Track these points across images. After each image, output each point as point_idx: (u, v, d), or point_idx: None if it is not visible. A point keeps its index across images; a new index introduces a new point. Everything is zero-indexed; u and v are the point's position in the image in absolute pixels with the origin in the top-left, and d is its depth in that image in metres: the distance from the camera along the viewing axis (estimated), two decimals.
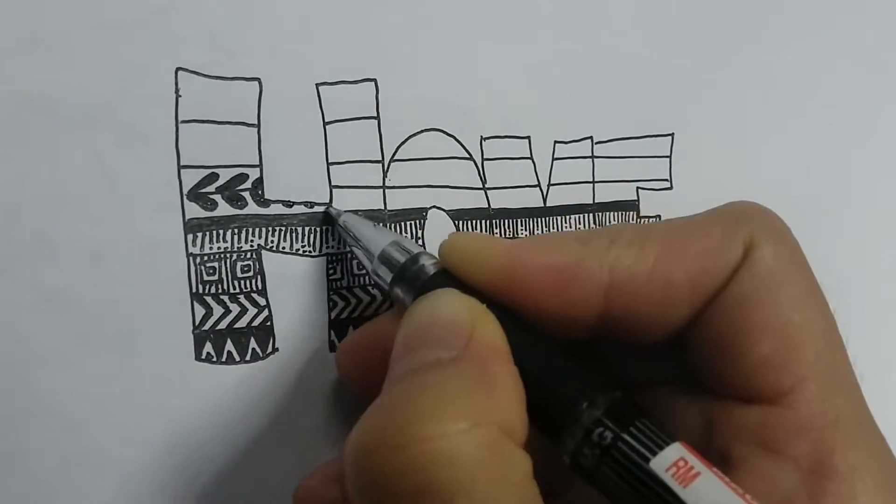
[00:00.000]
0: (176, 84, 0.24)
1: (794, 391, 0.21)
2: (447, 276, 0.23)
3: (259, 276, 0.25)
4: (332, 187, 0.26)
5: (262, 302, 0.25)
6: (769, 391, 0.21)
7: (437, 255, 0.23)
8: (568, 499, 0.24)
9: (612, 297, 0.22)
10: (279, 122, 0.25)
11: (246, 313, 0.25)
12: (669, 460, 0.19)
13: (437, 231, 0.24)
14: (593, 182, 0.31)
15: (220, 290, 0.25)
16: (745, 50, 0.34)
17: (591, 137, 0.31)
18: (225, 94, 0.25)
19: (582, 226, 0.31)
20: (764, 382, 0.21)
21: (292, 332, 0.26)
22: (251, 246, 0.25)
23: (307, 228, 0.26)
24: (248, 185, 0.25)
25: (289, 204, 0.26)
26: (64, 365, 0.23)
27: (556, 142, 0.30)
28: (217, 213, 0.25)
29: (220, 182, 0.25)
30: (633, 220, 0.32)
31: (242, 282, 0.25)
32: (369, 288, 0.27)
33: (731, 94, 0.34)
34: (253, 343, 0.25)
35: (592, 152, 0.31)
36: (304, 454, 0.25)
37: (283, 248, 0.26)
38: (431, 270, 0.23)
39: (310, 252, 0.26)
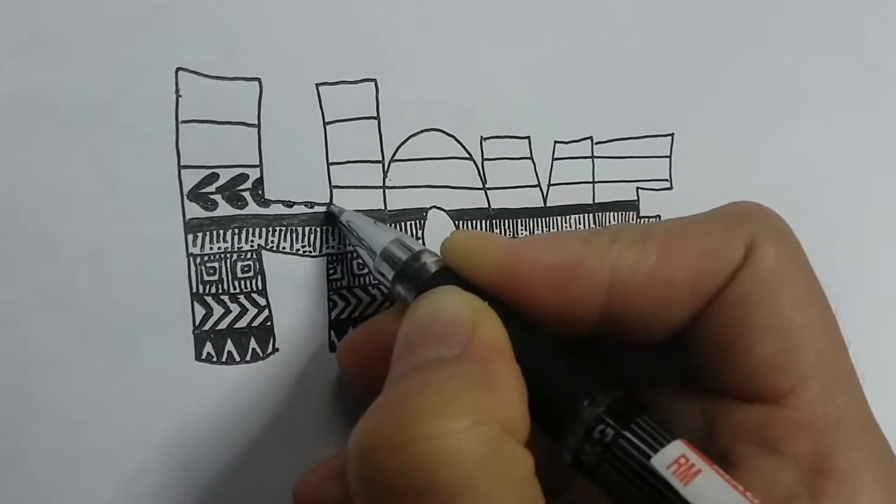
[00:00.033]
0: (176, 84, 0.24)
1: (796, 391, 0.21)
2: (449, 274, 0.23)
3: (259, 277, 0.25)
4: (332, 187, 0.26)
5: (263, 302, 0.25)
6: (770, 391, 0.21)
7: (438, 253, 0.23)
8: (570, 497, 0.24)
9: (613, 295, 0.22)
10: (279, 122, 0.25)
11: (246, 313, 0.25)
12: (671, 457, 0.19)
13: (438, 231, 0.24)
14: (593, 182, 0.31)
15: (220, 291, 0.25)
16: (745, 50, 0.34)
17: (591, 137, 0.31)
18: (225, 94, 0.25)
19: (582, 226, 0.31)
20: (765, 382, 0.21)
21: (292, 333, 0.26)
22: (251, 246, 0.25)
23: (307, 228, 0.26)
24: (248, 185, 0.25)
25: (289, 204, 0.26)
26: (64, 365, 0.23)
27: (556, 142, 0.30)
28: (217, 213, 0.25)
29: (221, 182, 0.25)
30: (633, 220, 0.32)
31: (243, 282, 0.25)
32: (370, 288, 0.27)
33: (731, 94, 0.34)
34: (253, 343, 0.25)
35: (592, 152, 0.31)
36: (304, 454, 0.25)
37: (284, 248, 0.26)
38: (433, 268, 0.23)
39: (310, 252, 0.26)
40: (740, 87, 0.34)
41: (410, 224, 0.28)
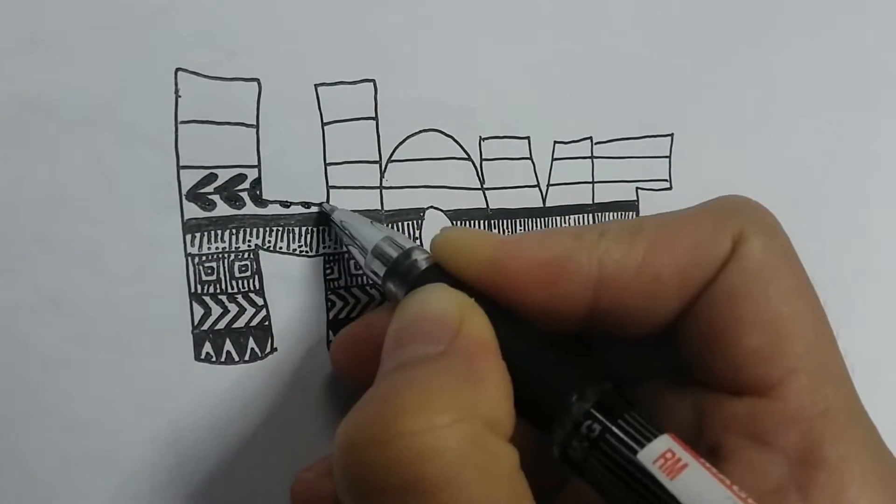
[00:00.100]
0: (176, 84, 0.24)
1: (784, 383, 0.21)
2: (439, 271, 0.23)
3: (256, 276, 0.25)
4: (329, 187, 0.26)
5: (260, 302, 0.25)
6: (759, 383, 0.21)
7: (429, 251, 0.23)
8: (565, 495, 0.24)
9: (602, 290, 0.22)
10: (278, 123, 0.25)
11: (244, 313, 0.25)
12: (657, 452, 0.19)
13: (435, 231, 0.24)
14: (593, 182, 0.31)
15: (218, 290, 0.25)
16: (745, 50, 0.34)
17: (590, 138, 0.31)
18: (224, 94, 0.25)
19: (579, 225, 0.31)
20: (753, 374, 0.21)
21: (291, 332, 0.26)
22: (249, 246, 0.25)
23: (304, 228, 0.26)
24: (246, 185, 0.25)
25: (286, 204, 0.26)
26: (64, 365, 0.23)
27: (555, 142, 0.30)
28: (215, 213, 0.25)
29: (219, 182, 0.25)
30: (629, 219, 0.32)
31: (240, 282, 0.25)
32: (367, 287, 0.27)
33: (731, 94, 0.34)
34: (251, 343, 0.25)
35: (592, 152, 0.31)
36: (302, 453, 0.25)
37: (281, 248, 0.26)
38: (423, 265, 0.23)
39: (307, 252, 0.26)
40: (740, 87, 0.34)
41: (407, 224, 0.28)
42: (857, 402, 0.21)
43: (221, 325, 0.25)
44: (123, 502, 0.24)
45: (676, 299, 0.22)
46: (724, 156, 0.34)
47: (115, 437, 0.23)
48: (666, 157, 0.33)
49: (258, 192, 0.25)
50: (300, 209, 0.26)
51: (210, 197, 0.25)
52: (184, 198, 0.24)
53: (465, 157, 0.29)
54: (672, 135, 0.33)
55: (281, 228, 0.26)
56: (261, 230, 0.25)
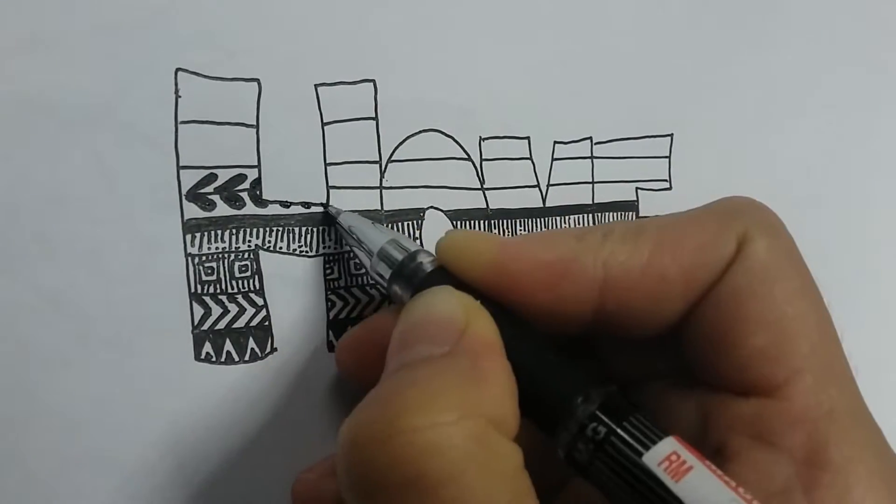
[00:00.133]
0: (176, 84, 0.24)
1: (789, 383, 0.21)
2: (444, 273, 0.23)
3: (256, 276, 0.25)
4: (329, 188, 0.26)
5: (260, 302, 0.25)
6: (764, 383, 0.21)
7: (434, 253, 0.23)
8: (566, 495, 0.24)
9: (606, 292, 0.22)
10: (278, 123, 0.25)
11: (244, 313, 0.25)
12: (662, 454, 0.19)
13: (435, 231, 0.24)
14: (592, 182, 0.31)
15: (218, 290, 0.25)
16: (745, 50, 0.34)
17: (590, 138, 0.31)
18: (224, 94, 0.25)
19: (581, 226, 0.31)
20: (758, 375, 0.21)
21: (291, 332, 0.26)
22: (249, 246, 0.25)
23: (304, 229, 0.26)
24: (246, 185, 0.25)
25: (286, 204, 0.26)
26: (64, 365, 0.23)
27: (555, 142, 0.30)
28: (215, 213, 0.25)
29: (219, 182, 0.25)
30: (631, 220, 0.32)
31: (240, 282, 0.25)
32: (367, 288, 0.27)
33: (731, 94, 0.34)
34: (252, 343, 0.25)
35: (592, 153, 0.31)
36: (302, 453, 0.25)
37: (280, 248, 0.26)
38: (428, 268, 0.23)
39: (307, 252, 0.26)
40: (740, 87, 0.34)
41: (407, 224, 0.28)
42: (862, 403, 0.22)
43: (221, 325, 0.25)
44: (123, 502, 0.24)
45: (681, 300, 0.22)
46: (724, 156, 0.34)
47: (115, 437, 0.23)
48: (666, 157, 0.33)
49: (258, 193, 0.25)
50: (300, 209, 0.26)
51: (210, 197, 0.25)
52: (184, 198, 0.24)
53: (465, 157, 0.29)
54: (672, 135, 0.33)
55: (281, 228, 0.26)
56: (261, 230, 0.25)
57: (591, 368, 0.21)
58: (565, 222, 0.31)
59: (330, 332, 0.26)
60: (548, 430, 0.21)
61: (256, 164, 0.25)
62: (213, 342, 0.25)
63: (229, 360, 0.25)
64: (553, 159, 0.30)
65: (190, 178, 0.24)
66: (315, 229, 0.26)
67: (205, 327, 0.25)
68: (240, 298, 0.25)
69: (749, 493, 0.18)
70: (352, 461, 0.18)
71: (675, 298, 0.22)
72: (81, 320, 0.23)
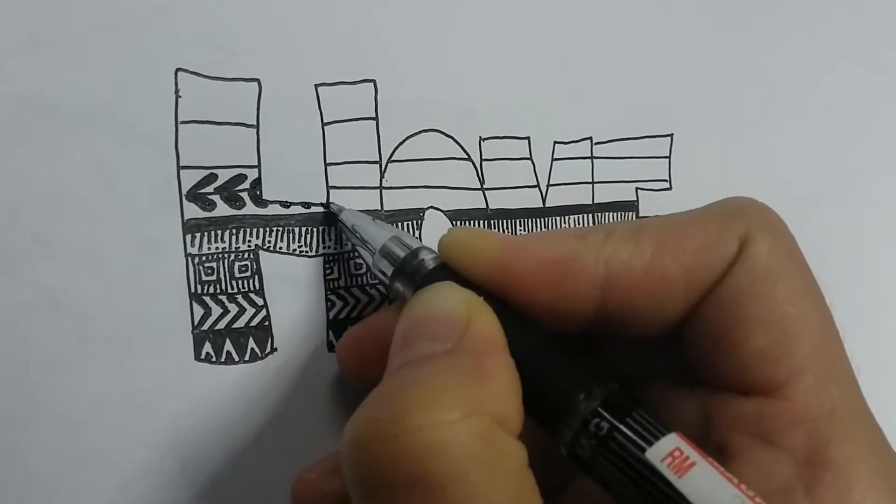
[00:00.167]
0: (176, 84, 0.24)
1: (790, 383, 0.21)
2: (446, 270, 0.23)
3: (256, 276, 0.25)
4: (329, 188, 0.26)
5: (260, 302, 0.25)
6: (765, 383, 0.21)
7: (436, 250, 0.23)
8: (569, 495, 0.24)
9: (608, 291, 0.22)
10: (278, 123, 0.25)
11: (244, 313, 0.25)
12: (665, 450, 0.19)
13: (435, 231, 0.24)
14: (592, 182, 0.31)
15: (217, 291, 0.25)
16: (745, 50, 0.34)
17: (590, 138, 0.31)
18: (224, 94, 0.25)
19: (581, 226, 0.31)
20: (760, 374, 0.21)
21: (291, 332, 0.26)
22: (249, 246, 0.25)
23: (304, 229, 0.26)
24: (246, 185, 0.25)
25: (286, 204, 0.26)
26: (64, 365, 0.23)
27: (555, 142, 0.30)
28: (215, 213, 0.25)
29: (219, 182, 0.25)
30: (631, 220, 0.32)
31: (240, 282, 0.25)
32: (367, 288, 0.27)
33: (731, 94, 0.34)
34: (252, 343, 0.25)
35: (592, 153, 0.31)
36: (302, 453, 0.25)
37: (281, 248, 0.26)
38: (431, 265, 0.23)
39: (307, 252, 0.26)
40: (740, 87, 0.34)
41: (407, 224, 0.28)
42: (863, 403, 0.22)
43: (221, 325, 0.25)
44: (123, 502, 0.24)
45: (683, 300, 0.22)
46: (724, 156, 0.34)
47: (115, 437, 0.23)
48: (666, 157, 0.33)
49: (258, 193, 0.25)
50: (300, 209, 0.26)
51: (210, 197, 0.25)
52: (184, 198, 0.24)
53: (465, 157, 0.29)
54: (672, 135, 0.33)
55: (281, 228, 0.26)
56: (261, 230, 0.25)
57: (594, 366, 0.21)
58: (565, 222, 0.31)
59: (330, 332, 0.26)
60: (550, 428, 0.21)
61: (256, 164, 0.25)
62: (213, 342, 0.25)
63: (229, 361, 0.25)
64: (553, 159, 0.30)
65: (190, 178, 0.24)
66: (315, 229, 0.26)
67: (205, 327, 0.25)
68: (240, 298, 0.25)
69: (751, 490, 0.18)
70: (357, 459, 0.18)
71: (677, 298, 0.22)
72: (81, 320, 0.23)
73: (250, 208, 0.25)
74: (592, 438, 0.20)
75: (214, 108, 0.25)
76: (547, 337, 0.22)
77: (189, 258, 0.24)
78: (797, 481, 0.20)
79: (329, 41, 0.26)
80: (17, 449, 0.22)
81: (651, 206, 0.32)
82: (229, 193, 0.25)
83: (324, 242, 0.26)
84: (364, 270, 0.27)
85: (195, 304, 0.24)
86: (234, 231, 0.25)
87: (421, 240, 0.28)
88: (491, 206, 0.29)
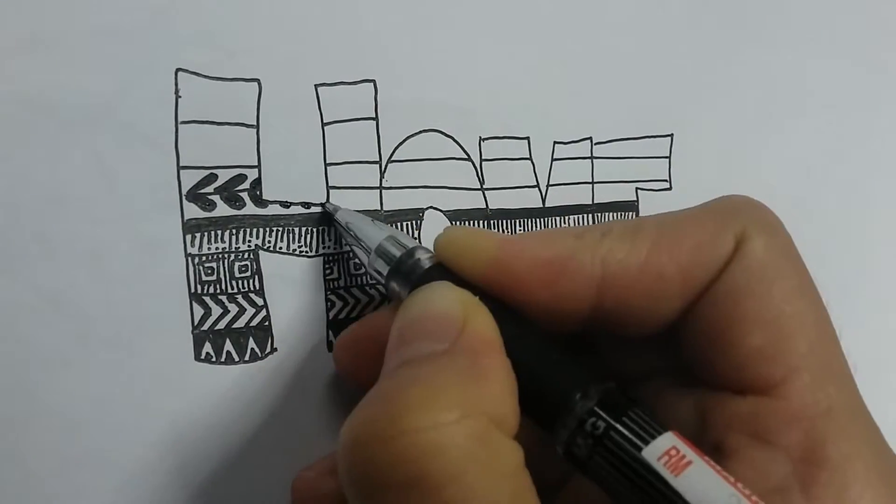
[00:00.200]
0: (176, 85, 0.24)
1: (787, 382, 0.21)
2: (442, 270, 0.23)
3: (256, 276, 0.25)
4: (329, 188, 0.26)
5: (260, 302, 0.25)
6: (761, 382, 0.21)
7: (432, 250, 0.23)
8: (565, 495, 0.24)
9: (605, 289, 0.22)
10: (278, 123, 0.25)
11: (244, 313, 0.25)
12: (661, 449, 0.19)
13: (434, 232, 0.24)
14: (592, 183, 0.31)
15: (217, 291, 0.25)
16: (745, 50, 0.34)
17: (590, 138, 0.31)
18: (224, 94, 0.25)
19: (579, 225, 0.31)
20: (756, 373, 0.21)
21: (291, 332, 0.26)
22: (249, 246, 0.25)
23: (304, 229, 0.26)
24: (246, 185, 0.25)
25: (286, 204, 0.26)
26: (64, 365, 0.23)
27: (555, 142, 0.30)
28: (215, 213, 0.25)
29: (219, 183, 0.25)
30: (631, 219, 0.32)
31: (240, 282, 0.25)
32: (366, 288, 0.27)
33: (731, 94, 0.34)
34: (252, 343, 0.25)
35: (592, 153, 0.31)
36: (302, 453, 0.25)
37: (280, 248, 0.26)
38: (427, 264, 0.23)
39: (306, 252, 0.26)
40: (740, 87, 0.34)
41: (407, 224, 0.28)
42: (860, 401, 0.22)
43: (221, 325, 0.25)
44: (123, 502, 0.24)
45: (679, 299, 0.22)
46: (724, 156, 0.34)
47: (115, 437, 0.23)
48: (665, 157, 0.33)
49: (258, 193, 0.25)
50: (300, 209, 0.26)
51: (210, 197, 0.25)
52: (184, 198, 0.24)
53: (465, 157, 0.29)
54: (672, 135, 0.33)
55: (281, 229, 0.26)
56: (261, 230, 0.25)
57: (590, 365, 0.21)
58: (565, 222, 0.31)
59: (329, 332, 0.26)
60: (546, 427, 0.21)
61: (256, 164, 0.25)
62: (213, 342, 0.25)
63: (229, 361, 0.25)
64: (553, 159, 0.30)
65: (190, 179, 0.24)
66: (315, 229, 0.26)
67: (205, 327, 0.25)
68: (240, 298, 0.25)
69: (748, 489, 0.18)
70: (353, 460, 0.18)
71: (673, 297, 0.22)
72: (81, 320, 0.23)
73: (250, 208, 0.25)
74: (589, 437, 0.20)
75: (214, 108, 0.25)
76: (543, 336, 0.22)
77: (189, 258, 0.24)
78: (794, 480, 0.20)
79: (329, 41, 0.26)
80: (17, 449, 0.22)
81: (651, 206, 0.32)
82: (229, 193, 0.25)
83: (324, 242, 0.26)
84: (363, 271, 0.27)
85: (195, 304, 0.24)
86: (234, 231, 0.25)
87: (420, 240, 0.28)
88: (491, 207, 0.29)
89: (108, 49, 0.23)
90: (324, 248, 0.26)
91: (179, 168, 0.24)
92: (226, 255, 0.25)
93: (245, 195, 0.25)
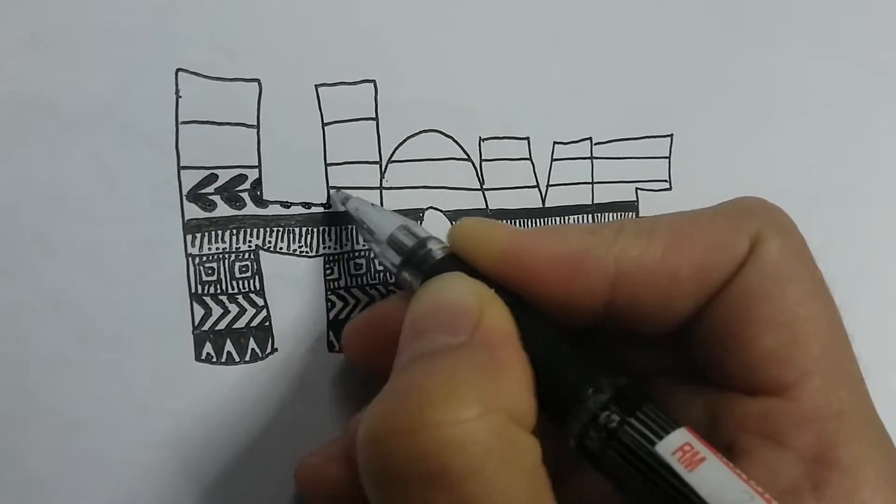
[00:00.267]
0: (176, 85, 0.24)
1: (799, 384, 0.21)
2: (455, 261, 0.23)
3: (257, 277, 0.25)
4: (329, 188, 0.26)
5: (260, 302, 0.25)
6: (773, 384, 0.21)
7: (444, 241, 0.23)
8: (574, 489, 0.24)
9: (618, 287, 0.22)
10: (278, 123, 0.25)
11: (244, 314, 0.25)
12: (675, 445, 0.19)
13: (434, 232, 0.24)
14: (592, 183, 0.31)
15: (218, 291, 0.25)
16: (745, 50, 0.34)
17: (590, 138, 0.31)
18: (225, 94, 0.25)
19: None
20: (768, 375, 0.21)
21: (291, 333, 0.26)
22: (249, 246, 0.25)
23: (304, 229, 0.26)
24: (246, 185, 0.25)
25: (286, 205, 0.26)
26: (64, 365, 0.23)
27: (555, 142, 0.30)
28: (216, 213, 0.25)
29: (220, 183, 0.25)
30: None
31: (240, 282, 0.25)
32: (367, 288, 0.27)
33: (731, 94, 0.34)
34: (252, 343, 0.25)
35: (592, 153, 0.31)
36: (303, 453, 0.25)
37: (281, 248, 0.26)
38: (439, 255, 0.23)
39: (307, 253, 0.26)
40: (740, 87, 0.34)
41: None
42: (870, 404, 0.22)
43: (222, 325, 0.25)
44: (123, 502, 0.24)
45: (692, 298, 0.22)
46: (724, 156, 0.34)
47: (115, 437, 0.23)
48: (665, 157, 0.33)
49: (259, 193, 0.25)
50: (301, 210, 0.26)
51: (210, 197, 0.25)
52: (184, 198, 0.24)
53: (465, 157, 0.29)
54: (672, 135, 0.33)
55: (281, 229, 0.26)
56: (261, 231, 0.25)
57: (603, 359, 0.21)
58: (565, 222, 0.31)
59: (330, 333, 0.26)
60: (558, 421, 0.21)
61: (257, 164, 0.25)
62: (213, 342, 0.25)
63: (230, 361, 0.25)
64: (553, 160, 0.30)
65: (190, 179, 0.24)
66: (315, 230, 0.26)
67: (205, 328, 0.25)
68: (240, 299, 0.25)
69: (761, 487, 0.18)
70: (373, 454, 0.18)
71: (687, 296, 0.22)
72: (81, 320, 0.23)
73: (251, 208, 0.25)
74: (602, 431, 0.20)
75: (215, 108, 0.25)
76: (556, 329, 0.22)
77: (189, 258, 0.24)
78: (805, 482, 0.20)
79: (329, 41, 0.26)
80: (17, 449, 0.22)
81: (651, 206, 0.32)
82: (230, 194, 0.25)
83: (324, 243, 0.26)
84: (364, 271, 0.27)
85: (196, 305, 0.24)
86: (234, 231, 0.25)
87: None
88: (490, 207, 0.29)
89: (108, 49, 0.23)
90: (324, 248, 0.26)
91: (180, 168, 0.24)
92: (226, 256, 0.25)
93: (245, 195, 0.25)
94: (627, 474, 0.20)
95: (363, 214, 0.25)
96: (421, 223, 0.28)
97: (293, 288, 0.26)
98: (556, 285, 0.22)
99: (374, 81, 0.27)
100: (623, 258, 0.22)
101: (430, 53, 0.28)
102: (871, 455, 0.20)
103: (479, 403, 0.18)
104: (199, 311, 0.24)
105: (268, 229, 0.25)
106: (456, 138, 0.28)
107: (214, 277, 0.25)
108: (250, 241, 0.25)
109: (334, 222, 0.26)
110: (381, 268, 0.27)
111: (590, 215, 0.31)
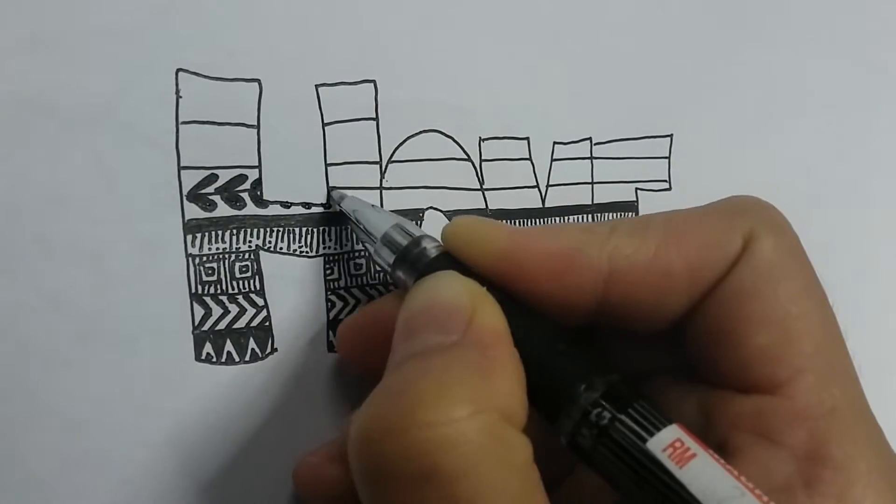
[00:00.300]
0: (176, 85, 0.24)
1: (792, 382, 0.21)
2: (449, 259, 0.23)
3: (257, 277, 0.25)
4: (329, 188, 0.26)
5: (261, 302, 0.25)
6: (766, 382, 0.21)
7: (439, 239, 0.23)
8: (566, 488, 0.24)
9: (611, 284, 0.22)
10: (278, 123, 0.25)
11: (245, 314, 0.25)
12: (666, 441, 0.19)
13: (434, 232, 0.24)
14: (592, 183, 0.31)
15: (218, 291, 0.25)
16: (745, 50, 0.34)
17: (590, 138, 0.31)
18: (225, 94, 0.25)
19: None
20: (761, 373, 0.21)
21: (291, 333, 0.26)
22: (249, 246, 0.25)
23: (304, 229, 0.26)
24: (246, 185, 0.25)
25: (287, 205, 0.26)
26: (64, 365, 0.23)
27: (555, 143, 0.30)
28: (216, 213, 0.25)
29: (220, 183, 0.25)
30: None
31: (241, 282, 0.25)
32: (367, 288, 0.27)
33: (731, 94, 0.34)
34: (252, 343, 0.25)
35: (591, 153, 0.31)
36: (302, 453, 0.25)
37: (281, 248, 0.26)
38: (433, 253, 0.23)
39: (307, 253, 0.26)
40: (740, 87, 0.34)
41: None
42: (863, 401, 0.22)
43: (222, 325, 0.25)
44: (123, 502, 0.24)
45: (685, 296, 0.22)
46: (724, 156, 0.34)
47: (115, 437, 0.23)
48: (665, 157, 0.33)
49: (259, 193, 0.25)
50: (301, 210, 0.26)
51: (211, 197, 0.25)
52: (184, 198, 0.24)
53: (465, 157, 0.29)
54: (672, 135, 0.33)
55: (281, 229, 0.26)
56: (261, 231, 0.25)
57: (595, 357, 0.21)
58: (565, 222, 0.31)
59: (330, 333, 0.26)
60: (550, 418, 0.21)
61: (257, 164, 0.25)
62: (213, 342, 0.25)
63: (230, 361, 0.25)
64: (552, 160, 0.30)
65: (191, 179, 0.24)
66: (315, 230, 0.26)
67: (205, 328, 0.25)
68: (240, 299, 0.25)
69: (751, 482, 0.18)
70: (365, 453, 0.18)
71: (680, 294, 0.22)
72: (81, 320, 0.23)
73: (251, 209, 0.25)
74: (593, 428, 0.20)
75: (215, 108, 0.25)
76: (548, 327, 0.22)
77: (190, 258, 0.24)
78: (797, 479, 0.20)
79: (329, 41, 0.26)
80: (17, 449, 0.22)
81: (651, 206, 0.32)
82: (230, 194, 0.25)
83: (324, 243, 0.26)
84: (364, 271, 0.27)
85: (196, 305, 0.24)
86: (234, 231, 0.25)
87: None
88: (490, 207, 0.29)
89: (108, 49, 0.23)
90: (324, 248, 0.26)
91: (180, 168, 0.24)
92: (226, 256, 0.25)
93: (246, 195, 0.25)
94: (619, 471, 0.20)
95: (358, 213, 0.25)
96: (421, 223, 0.28)
97: (293, 288, 0.26)
98: (549, 283, 0.22)
99: (374, 81, 0.27)
100: (616, 256, 0.22)
101: (430, 53, 0.28)
102: (863, 452, 0.20)
103: (471, 402, 0.18)
104: (199, 311, 0.24)
105: (268, 229, 0.25)
106: (456, 138, 0.28)
107: (214, 277, 0.25)
108: (250, 241, 0.25)
109: (334, 222, 0.26)
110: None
111: (590, 215, 0.31)
